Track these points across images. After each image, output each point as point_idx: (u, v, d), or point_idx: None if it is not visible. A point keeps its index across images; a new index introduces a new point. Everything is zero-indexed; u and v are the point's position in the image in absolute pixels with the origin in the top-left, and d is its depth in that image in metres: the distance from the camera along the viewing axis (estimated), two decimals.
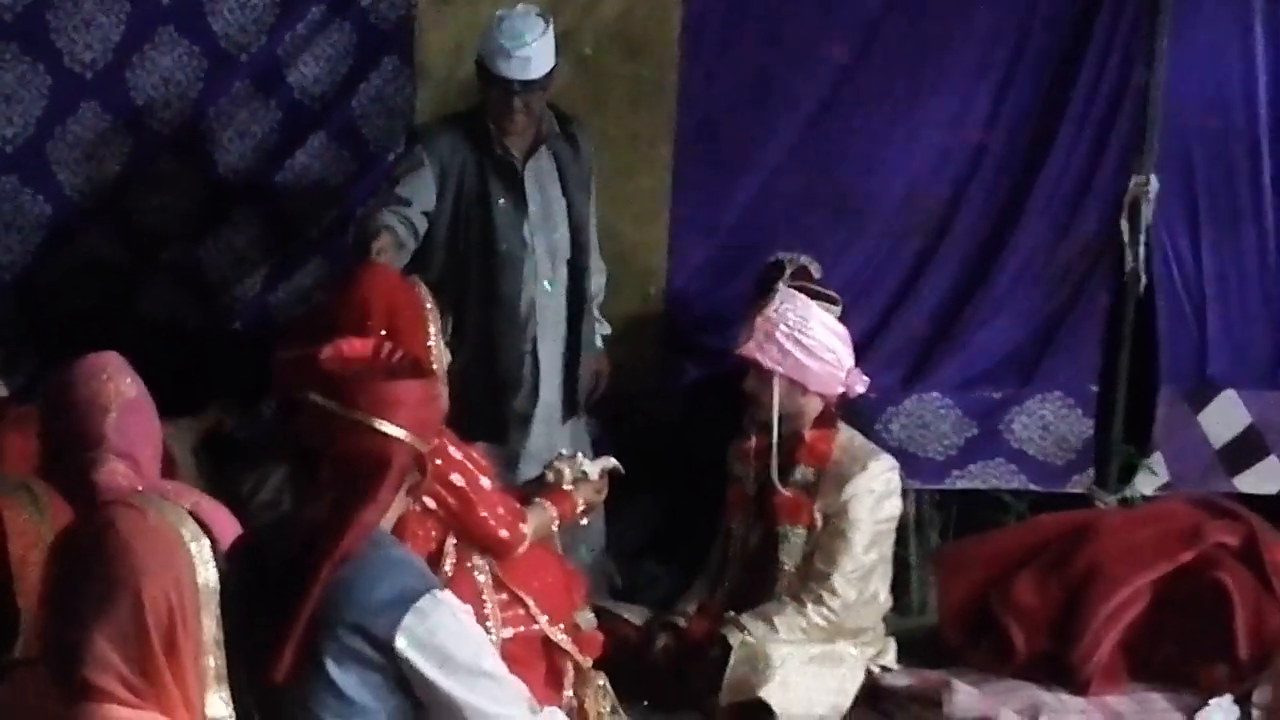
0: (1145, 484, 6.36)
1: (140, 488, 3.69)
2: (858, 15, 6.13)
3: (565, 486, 4.85)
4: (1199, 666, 5.40)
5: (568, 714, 4.63)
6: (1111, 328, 6.31)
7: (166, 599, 2.72)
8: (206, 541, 2.80)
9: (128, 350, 4.00)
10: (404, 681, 3.26)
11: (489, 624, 4.47)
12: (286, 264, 5.99)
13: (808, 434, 5.35)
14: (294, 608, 3.22)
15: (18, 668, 2.96)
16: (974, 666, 5.45)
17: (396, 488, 3.38)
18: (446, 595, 3.32)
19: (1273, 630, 5.41)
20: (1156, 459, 6.36)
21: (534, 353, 5.72)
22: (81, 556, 2.76)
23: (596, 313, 5.91)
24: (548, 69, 5.51)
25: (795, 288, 5.38)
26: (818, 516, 5.29)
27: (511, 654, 4.37)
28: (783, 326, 5.28)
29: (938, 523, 6.43)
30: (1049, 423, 6.34)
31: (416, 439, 3.38)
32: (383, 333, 4.07)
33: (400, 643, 3.22)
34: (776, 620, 5.18)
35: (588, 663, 4.78)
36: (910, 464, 6.01)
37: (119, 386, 3.84)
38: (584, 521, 5.08)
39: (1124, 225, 6.20)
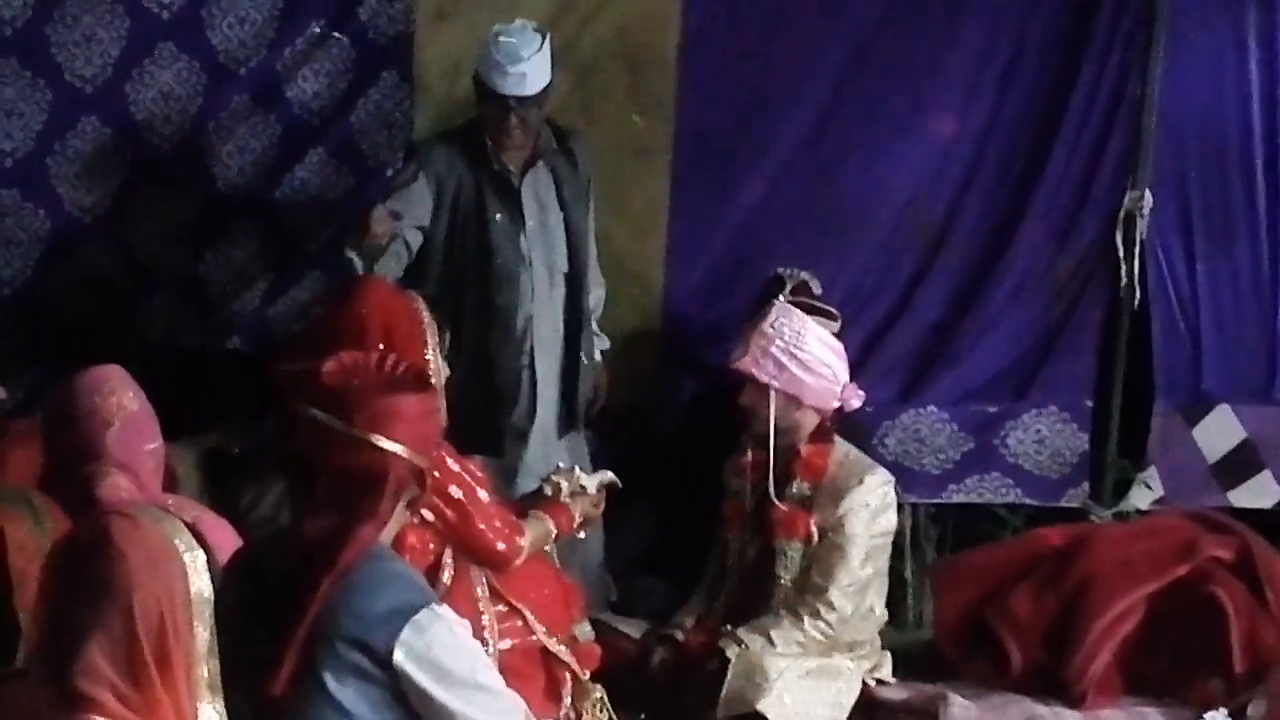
0: (1140, 498, 6.37)
1: (141, 500, 3.70)
2: (854, 30, 6.14)
3: (563, 500, 4.86)
4: (1194, 680, 5.40)
5: None
6: (1106, 342, 6.31)
7: (158, 607, 2.73)
8: (201, 552, 2.82)
9: (127, 364, 4.01)
10: (402, 695, 3.26)
11: (486, 636, 4.48)
12: (285, 278, 6.00)
13: (804, 448, 5.36)
14: (292, 621, 3.22)
15: (15, 678, 2.97)
16: (970, 680, 5.45)
17: (395, 502, 3.38)
18: (444, 610, 3.32)
19: (1267, 644, 5.41)
20: (1151, 473, 6.36)
21: (531, 367, 5.73)
22: (74, 565, 2.77)
23: (595, 327, 5.93)
24: (544, 85, 5.52)
25: (795, 303, 5.39)
26: (814, 530, 5.29)
27: (509, 665, 4.38)
28: (778, 341, 5.29)
29: (933, 537, 6.44)
30: (1044, 437, 6.34)
31: (415, 454, 3.39)
32: (380, 347, 4.08)
33: (398, 656, 3.22)
34: (773, 634, 5.19)
35: (586, 674, 4.79)
36: (906, 478, 6.02)
37: (121, 400, 3.85)
38: (582, 535, 5.09)
39: (1119, 240, 6.21)
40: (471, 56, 5.67)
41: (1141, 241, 6.20)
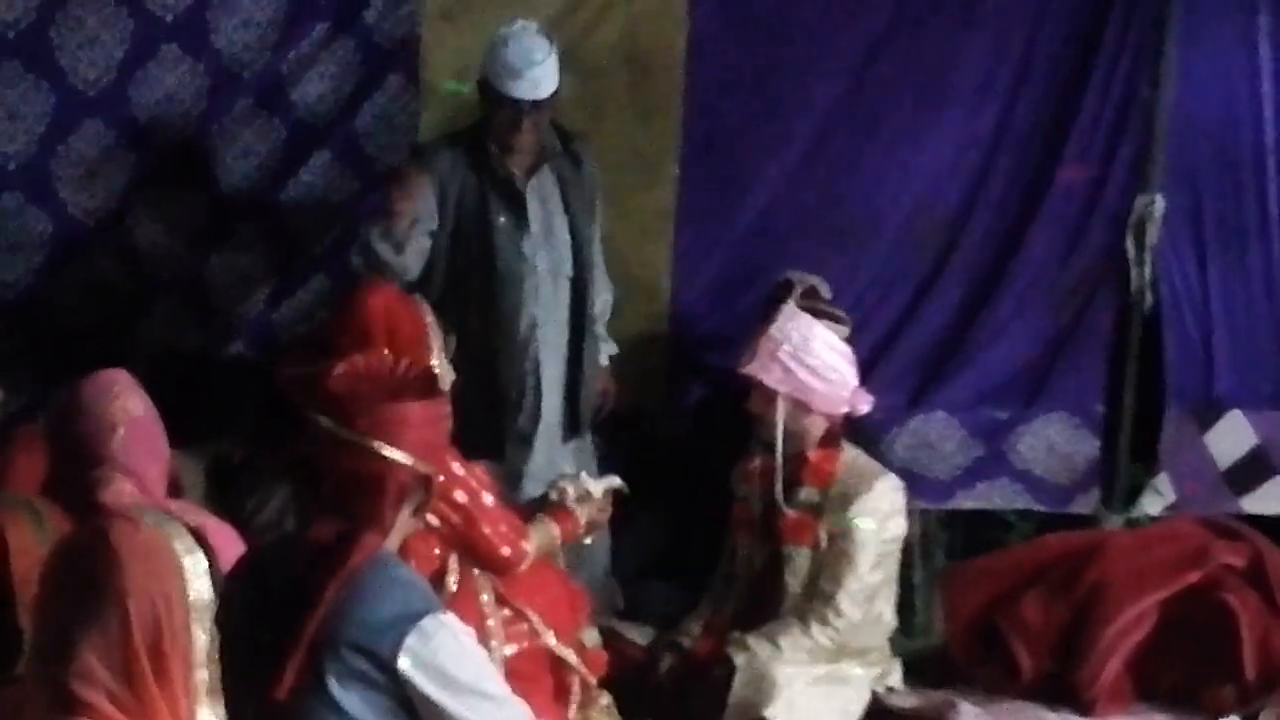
0: (1151, 504, 6.36)
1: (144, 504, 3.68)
2: (863, 34, 6.13)
3: (569, 505, 4.84)
4: (1205, 688, 5.38)
5: None
6: (1117, 347, 6.30)
7: (154, 610, 2.70)
8: (202, 556, 2.79)
9: (130, 368, 3.99)
10: (406, 702, 3.24)
11: (492, 641, 4.46)
12: (290, 282, 5.99)
13: (812, 454, 5.33)
14: (297, 627, 3.21)
15: (18, 682, 2.95)
16: (979, 687, 5.43)
17: (397, 509, 3.37)
18: (450, 617, 3.31)
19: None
20: (1163, 479, 6.35)
21: (535, 371, 5.71)
22: (71, 567, 2.76)
23: (603, 331, 5.91)
24: (555, 87, 5.51)
25: (803, 307, 5.36)
26: (823, 536, 5.27)
27: (516, 670, 4.37)
28: (786, 346, 5.27)
29: (943, 543, 6.42)
30: (1055, 443, 6.33)
31: (420, 461, 3.37)
32: (384, 352, 4.06)
33: (403, 663, 3.21)
34: (781, 640, 5.16)
35: (594, 680, 4.77)
36: (916, 484, 6.00)
37: (126, 404, 3.83)
38: (588, 541, 5.07)
39: (1129, 244, 6.20)
40: (477, 60, 5.65)
41: (1152, 246, 6.19)
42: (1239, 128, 6.25)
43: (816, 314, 5.38)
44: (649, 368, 6.22)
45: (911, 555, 6.01)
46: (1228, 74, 6.23)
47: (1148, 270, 6.19)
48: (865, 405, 5.39)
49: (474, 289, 5.60)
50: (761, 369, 5.27)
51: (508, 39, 5.47)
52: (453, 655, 3.27)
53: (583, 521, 4.85)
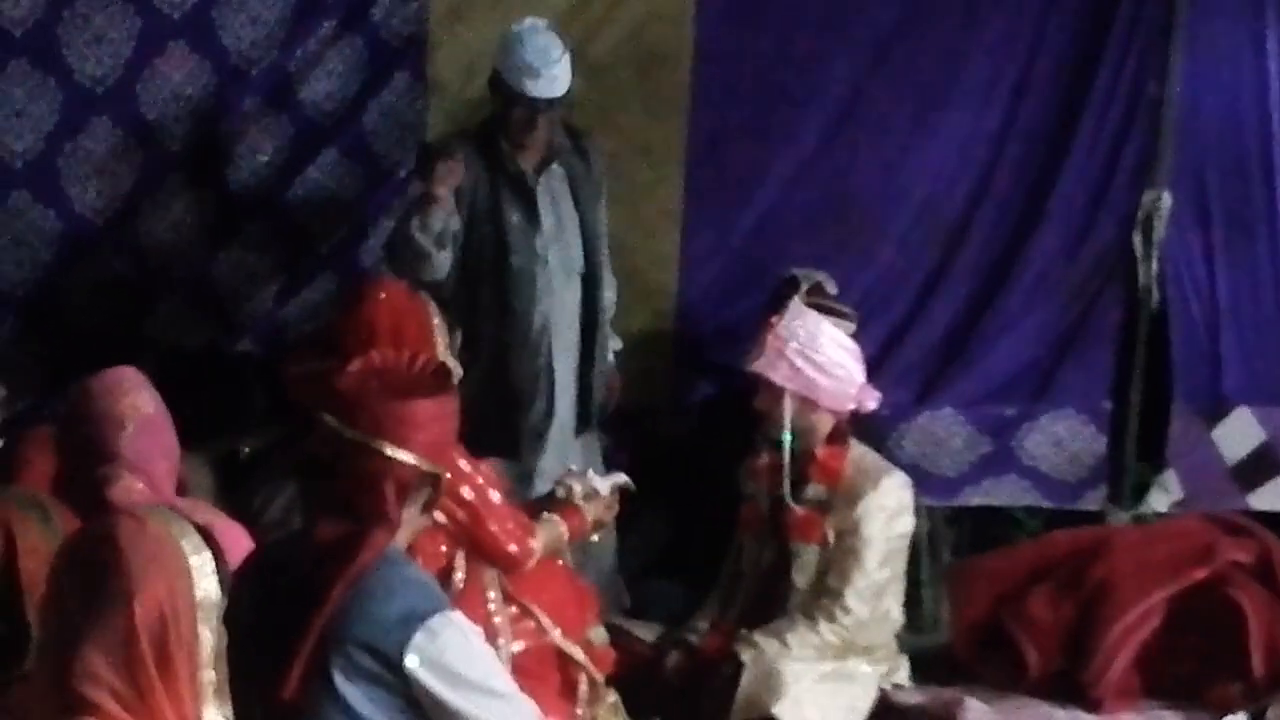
0: (1159, 501, 6.35)
1: (152, 502, 3.68)
2: (870, 30, 6.13)
3: (576, 503, 4.84)
4: (1213, 684, 5.37)
5: None
6: (1124, 344, 6.30)
7: (159, 609, 2.70)
8: (209, 554, 2.78)
9: (138, 366, 3.99)
10: (413, 700, 3.25)
11: (499, 639, 4.46)
12: (298, 280, 5.99)
13: (819, 451, 5.32)
14: (305, 625, 3.21)
15: (27, 680, 2.95)
16: (987, 684, 5.42)
17: (400, 507, 3.37)
18: (457, 615, 3.31)
19: None
20: (1170, 476, 6.34)
21: (549, 367, 5.71)
22: (77, 566, 2.75)
23: (608, 328, 5.91)
24: (569, 85, 5.51)
25: (810, 304, 5.36)
26: (830, 534, 5.26)
27: (523, 667, 4.37)
28: (793, 343, 5.26)
29: (950, 540, 6.41)
30: (1062, 439, 6.33)
31: (427, 461, 3.37)
32: (400, 349, 4.07)
33: (410, 661, 3.21)
34: (789, 637, 5.16)
35: (601, 677, 4.77)
36: (923, 481, 5.98)
37: (136, 401, 3.83)
38: (595, 538, 5.07)
39: (1137, 240, 6.19)
40: (485, 57, 5.66)
41: (1159, 242, 6.19)
42: (1246, 124, 6.24)
43: (823, 310, 5.38)
44: (655, 365, 6.22)
45: (919, 552, 6.01)
46: (1235, 70, 6.23)
47: (1155, 267, 6.19)
48: (872, 402, 5.38)
49: (487, 286, 5.61)
50: (768, 366, 5.26)
51: (523, 37, 5.47)
52: (460, 653, 3.27)
53: (590, 519, 4.85)
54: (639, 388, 6.10)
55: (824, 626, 5.19)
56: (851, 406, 5.35)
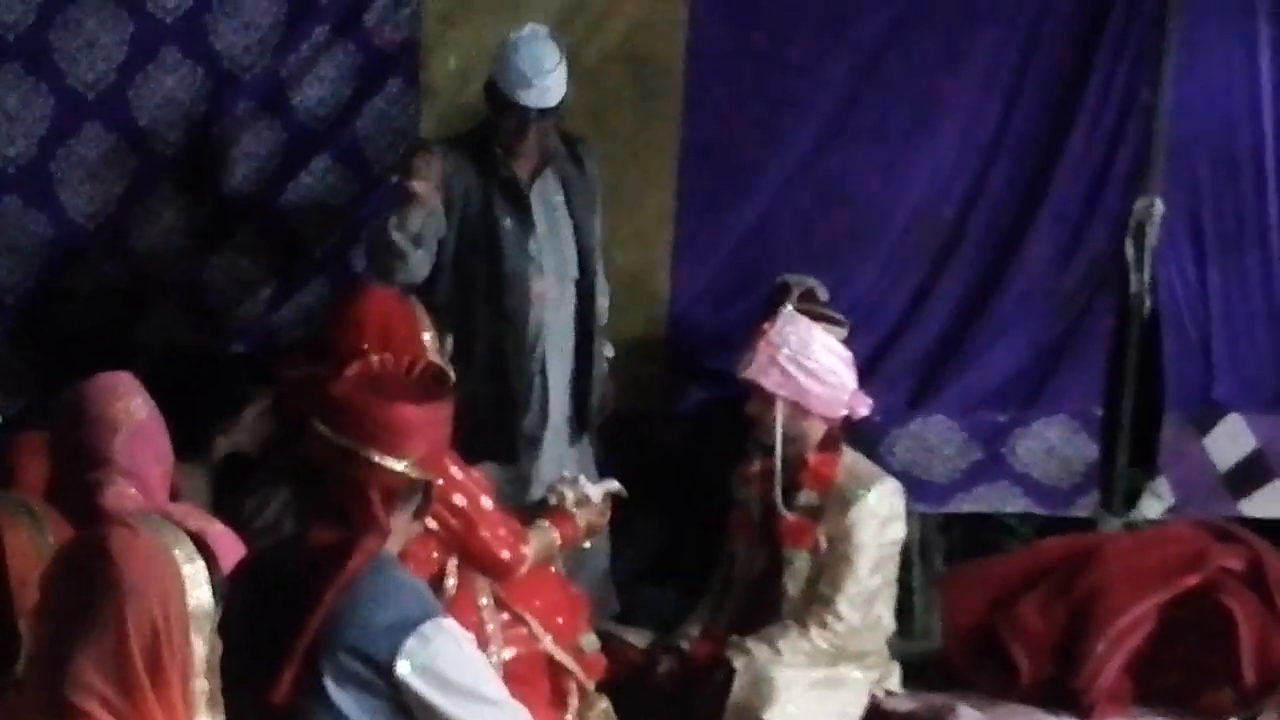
0: (1150, 508, 6.36)
1: (146, 510, 3.67)
2: (863, 36, 6.12)
3: (568, 509, 4.84)
4: (1204, 691, 5.39)
5: None
6: (1116, 350, 6.30)
7: (151, 619, 2.70)
8: (203, 564, 2.78)
9: (132, 371, 3.99)
10: (404, 707, 3.25)
11: (490, 645, 4.46)
12: (290, 285, 5.98)
13: (811, 457, 5.33)
14: (296, 630, 3.21)
15: (15, 687, 2.95)
16: (978, 691, 5.43)
17: (388, 513, 3.37)
18: (449, 621, 3.31)
19: (1278, 655, 5.39)
20: (1161, 482, 6.35)
21: (543, 373, 5.70)
22: (69, 575, 2.75)
23: (602, 334, 5.91)
24: (563, 94, 5.50)
25: (801, 310, 5.36)
26: (822, 540, 5.26)
27: (514, 674, 4.36)
28: (784, 350, 5.26)
29: (942, 546, 6.41)
30: (1054, 446, 6.33)
31: (416, 468, 3.37)
32: (399, 355, 4.06)
33: (401, 668, 3.21)
34: (780, 644, 5.16)
35: (591, 684, 4.77)
36: (914, 487, 5.98)
37: (129, 406, 3.83)
38: (587, 544, 5.07)
39: (1129, 247, 6.20)
40: (479, 63, 5.65)
41: (1152, 249, 6.19)
42: (1238, 131, 6.25)
43: (815, 317, 5.38)
44: (647, 371, 6.21)
45: (910, 559, 6.01)
46: (1227, 77, 6.23)
47: (1147, 273, 6.19)
48: (864, 408, 5.38)
49: (480, 291, 5.60)
50: (760, 372, 5.26)
51: (519, 45, 5.45)
52: (452, 660, 3.27)
53: (582, 526, 4.84)
54: (631, 394, 6.10)
55: (815, 633, 5.19)
56: (843, 413, 5.36)
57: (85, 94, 5.67)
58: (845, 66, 6.14)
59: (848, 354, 5.38)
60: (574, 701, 4.70)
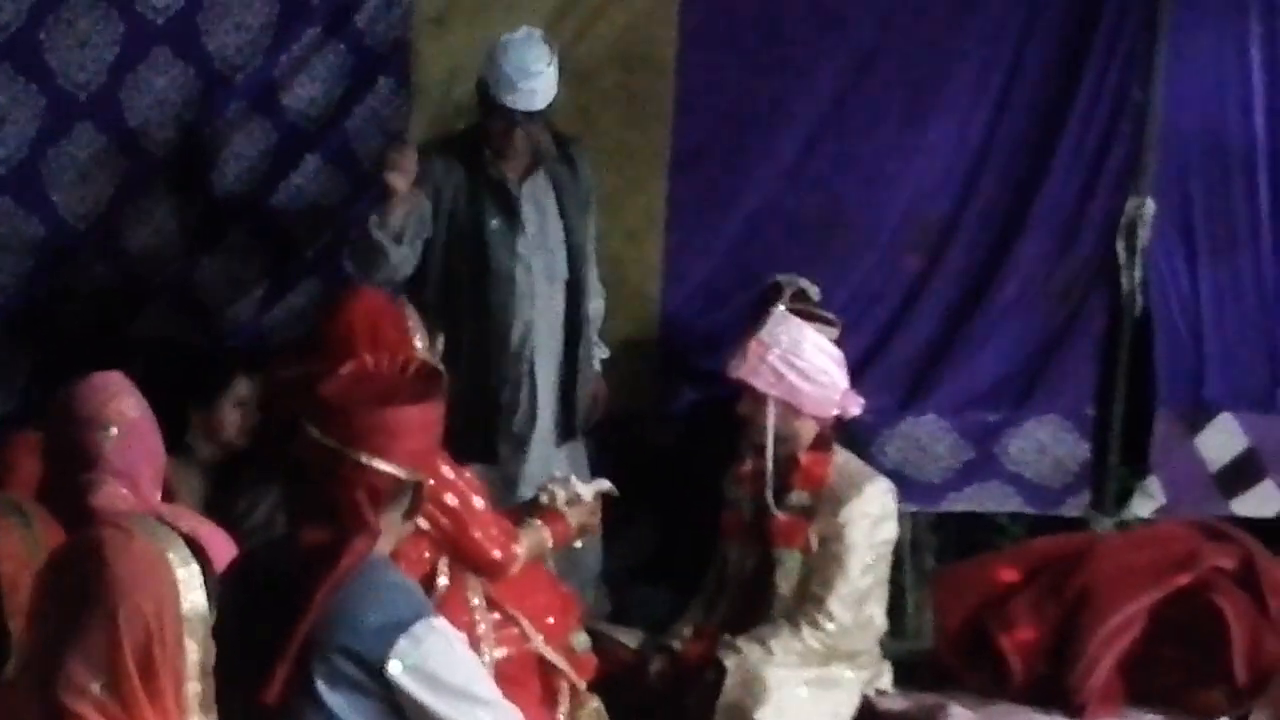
0: (1142, 507, 6.36)
1: (137, 510, 3.67)
2: (855, 36, 6.12)
3: (559, 509, 4.84)
4: (1196, 691, 5.39)
5: None
6: (1108, 350, 6.30)
7: (144, 621, 2.69)
8: (196, 566, 2.78)
9: (123, 371, 3.98)
10: (396, 707, 3.25)
11: (482, 645, 4.46)
12: (282, 285, 5.97)
13: (803, 457, 5.33)
14: (288, 630, 3.21)
15: (7, 688, 2.94)
16: (970, 690, 5.43)
17: (376, 513, 3.37)
18: (441, 622, 3.31)
19: (1270, 654, 5.38)
20: (1153, 482, 6.35)
21: (530, 375, 5.70)
22: (62, 577, 2.75)
23: (594, 336, 5.90)
24: (551, 97, 5.50)
25: (793, 310, 5.36)
26: (813, 540, 5.26)
27: (505, 674, 4.36)
28: (776, 350, 5.26)
29: (934, 546, 6.42)
30: (1045, 445, 6.33)
31: (404, 469, 3.37)
32: (393, 355, 4.07)
33: (393, 668, 3.21)
34: (772, 643, 5.16)
35: (583, 684, 4.77)
36: (906, 487, 5.98)
37: (121, 406, 3.83)
38: (579, 544, 5.07)
39: (1120, 247, 6.20)
40: (470, 63, 5.65)
41: (1143, 248, 6.19)
42: (1229, 131, 6.25)
43: (806, 317, 5.38)
44: (639, 371, 6.21)
45: (902, 558, 6.02)
46: (1218, 77, 6.23)
47: (1138, 273, 6.19)
48: (855, 408, 5.39)
49: (468, 292, 5.60)
50: (751, 373, 5.27)
51: (508, 47, 5.44)
52: (443, 660, 3.27)
53: (573, 525, 4.84)
54: (623, 394, 6.10)
55: (807, 632, 5.19)
56: (835, 412, 5.36)
57: (77, 94, 5.66)
58: (837, 67, 6.14)
59: (839, 354, 5.39)
60: (565, 701, 4.71)
